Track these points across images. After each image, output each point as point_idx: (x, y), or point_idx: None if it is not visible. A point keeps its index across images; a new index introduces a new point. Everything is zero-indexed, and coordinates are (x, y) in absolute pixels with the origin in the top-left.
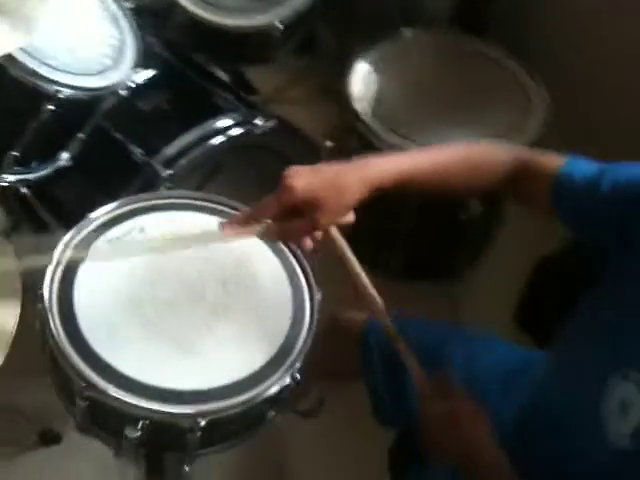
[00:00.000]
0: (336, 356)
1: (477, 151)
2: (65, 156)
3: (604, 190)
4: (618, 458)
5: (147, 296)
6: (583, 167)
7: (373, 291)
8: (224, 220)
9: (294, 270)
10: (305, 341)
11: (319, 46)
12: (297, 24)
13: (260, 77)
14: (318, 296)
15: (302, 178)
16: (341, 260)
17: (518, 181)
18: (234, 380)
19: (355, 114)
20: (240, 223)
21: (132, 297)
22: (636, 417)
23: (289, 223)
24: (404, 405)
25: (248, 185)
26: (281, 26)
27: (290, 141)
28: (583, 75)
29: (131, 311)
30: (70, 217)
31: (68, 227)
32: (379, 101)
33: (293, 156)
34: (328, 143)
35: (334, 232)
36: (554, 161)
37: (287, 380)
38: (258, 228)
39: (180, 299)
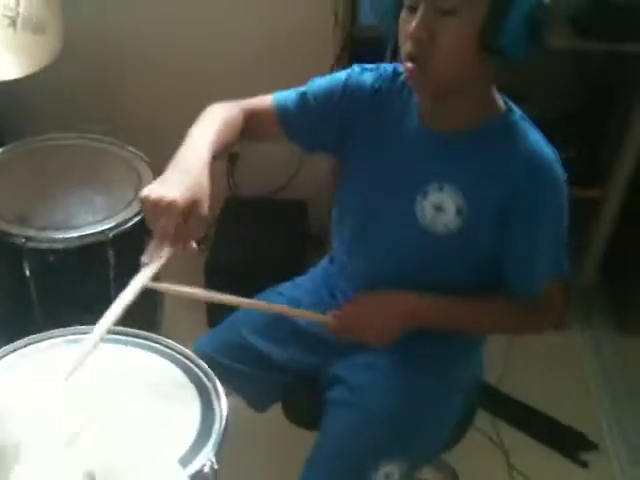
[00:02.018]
0: None
1: (222, 114)
2: None
3: (311, 105)
4: (432, 241)
5: None
6: (289, 96)
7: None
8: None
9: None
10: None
11: None
12: None
13: None
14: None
15: (169, 190)
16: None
17: (251, 124)
18: None
19: None
20: (157, 251)
21: None
22: (451, 211)
23: (189, 226)
24: (269, 363)
25: None
26: None
27: None
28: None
29: None
30: None
31: None
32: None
33: None
34: None
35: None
36: (264, 100)
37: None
38: (170, 250)
39: None
